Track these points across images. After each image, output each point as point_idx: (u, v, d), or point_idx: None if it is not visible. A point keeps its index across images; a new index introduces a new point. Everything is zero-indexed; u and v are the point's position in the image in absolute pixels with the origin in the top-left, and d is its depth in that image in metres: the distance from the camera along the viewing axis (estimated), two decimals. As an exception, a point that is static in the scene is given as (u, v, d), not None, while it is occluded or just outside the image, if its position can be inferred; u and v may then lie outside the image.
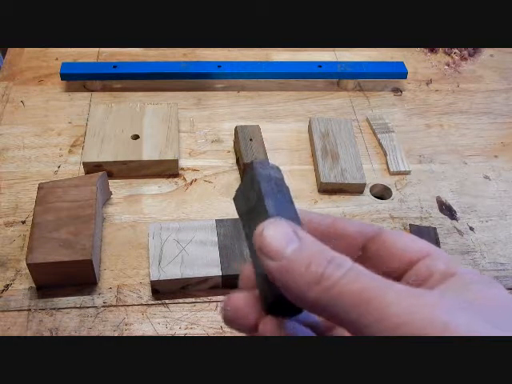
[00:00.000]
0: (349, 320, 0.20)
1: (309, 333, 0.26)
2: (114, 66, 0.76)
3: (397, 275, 0.25)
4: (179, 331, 0.51)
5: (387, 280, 0.21)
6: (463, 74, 0.85)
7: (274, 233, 0.22)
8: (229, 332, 0.51)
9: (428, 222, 0.62)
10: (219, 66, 0.77)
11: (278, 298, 0.23)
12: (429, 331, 0.19)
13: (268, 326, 0.24)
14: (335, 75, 0.79)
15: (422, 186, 0.67)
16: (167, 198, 0.63)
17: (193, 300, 0.54)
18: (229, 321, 0.25)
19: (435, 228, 0.61)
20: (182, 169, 0.67)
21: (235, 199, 0.27)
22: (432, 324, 0.19)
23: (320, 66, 0.79)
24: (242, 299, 0.24)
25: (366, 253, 0.26)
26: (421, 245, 0.25)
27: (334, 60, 0.84)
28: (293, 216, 0.25)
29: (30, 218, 0.57)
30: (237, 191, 0.27)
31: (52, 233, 0.53)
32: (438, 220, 0.63)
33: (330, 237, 0.27)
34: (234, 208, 0.28)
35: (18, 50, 0.83)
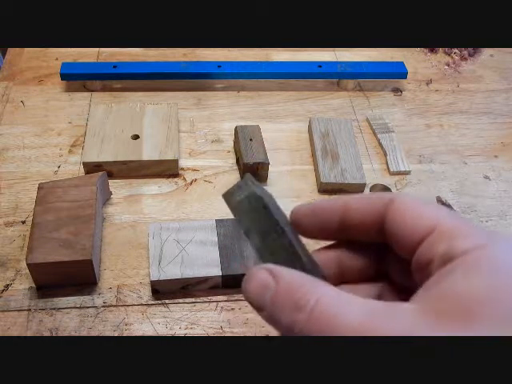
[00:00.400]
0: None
1: None
2: (114, 66, 0.76)
3: (409, 253, 0.25)
4: (179, 331, 0.51)
5: (350, 302, 0.22)
6: (463, 74, 0.85)
7: (252, 287, 0.24)
8: (229, 332, 0.51)
9: (428, 222, 0.62)
10: (219, 66, 0.77)
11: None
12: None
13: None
14: (335, 75, 0.79)
15: (422, 186, 0.67)
16: (167, 198, 0.63)
17: (193, 300, 0.54)
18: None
19: (435, 228, 0.61)
20: (182, 169, 0.67)
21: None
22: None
23: (320, 66, 0.79)
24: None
25: (384, 229, 0.26)
26: (426, 221, 0.24)
27: (334, 60, 0.84)
28: (279, 233, 0.26)
29: (30, 218, 0.57)
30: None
31: (52, 233, 0.53)
32: (438, 220, 0.63)
33: (342, 220, 0.27)
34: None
35: (18, 50, 0.83)
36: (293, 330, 0.22)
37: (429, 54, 0.89)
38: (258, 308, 0.24)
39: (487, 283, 0.20)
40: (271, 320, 0.24)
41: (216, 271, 0.53)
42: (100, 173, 0.59)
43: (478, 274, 0.21)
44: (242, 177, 0.65)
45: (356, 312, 0.21)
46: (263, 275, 0.24)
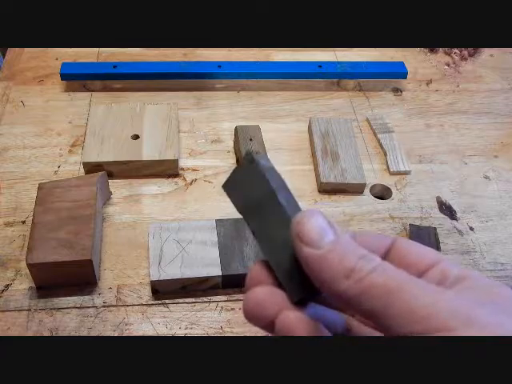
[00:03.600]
0: (375, 312, 0.22)
1: (333, 313, 0.27)
2: (114, 66, 0.76)
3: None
4: (179, 331, 0.51)
5: (412, 276, 0.23)
6: (463, 74, 0.85)
7: (314, 223, 0.24)
8: (229, 332, 0.51)
9: (428, 222, 0.62)
10: (219, 66, 0.77)
11: (305, 293, 0.25)
12: (452, 323, 0.20)
13: (289, 319, 0.24)
14: (335, 75, 0.79)
15: (422, 186, 0.67)
16: (167, 198, 0.63)
17: (193, 300, 0.54)
18: (250, 313, 0.25)
19: (435, 228, 0.61)
20: (182, 169, 0.67)
21: (228, 189, 0.27)
22: (455, 316, 0.20)
23: (320, 66, 0.79)
24: (262, 292, 0.25)
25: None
26: (432, 253, 0.26)
27: (334, 60, 0.84)
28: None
29: (30, 218, 0.57)
30: (229, 182, 0.28)
31: (52, 233, 0.52)
32: (438, 220, 0.63)
33: None
34: (234, 208, 0.28)
35: (17, 50, 0.83)
36: (349, 278, 0.23)
37: (429, 53, 0.89)
38: (309, 244, 0.24)
39: (503, 290, 0.23)
40: (319, 261, 0.23)
41: (216, 271, 0.53)
42: (100, 173, 0.59)
43: (491, 285, 0.24)
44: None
45: (415, 278, 0.22)
46: (325, 221, 0.24)
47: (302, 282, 0.25)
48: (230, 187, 0.27)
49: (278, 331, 0.24)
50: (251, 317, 0.25)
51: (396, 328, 0.21)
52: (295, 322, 0.24)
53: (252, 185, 0.26)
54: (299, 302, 0.25)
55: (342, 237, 0.24)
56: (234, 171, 0.27)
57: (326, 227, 0.24)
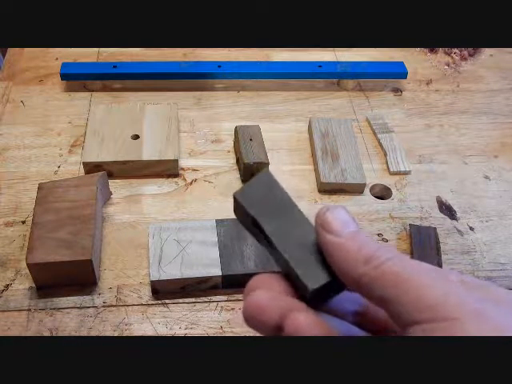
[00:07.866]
0: (387, 298, 0.23)
1: (341, 323, 0.27)
2: (114, 66, 0.76)
3: None
4: (179, 331, 0.51)
5: (427, 266, 0.24)
6: (463, 74, 0.85)
7: (337, 214, 0.26)
8: (229, 332, 0.51)
9: (428, 222, 0.62)
10: (219, 66, 0.77)
11: (321, 285, 0.25)
12: (460, 314, 0.21)
13: (299, 321, 0.24)
14: (335, 75, 0.79)
15: (422, 186, 0.67)
16: (167, 198, 0.63)
17: (193, 300, 0.54)
18: (250, 318, 0.25)
19: (435, 228, 0.61)
20: (182, 169, 0.67)
21: (242, 197, 0.28)
22: (463, 307, 0.21)
23: (320, 66, 0.79)
24: (264, 295, 0.25)
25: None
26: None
27: (334, 60, 0.84)
28: None
29: (30, 218, 0.57)
30: (244, 190, 0.28)
31: (52, 233, 0.52)
32: (438, 220, 0.63)
33: None
34: (245, 214, 0.28)
35: (17, 50, 0.83)
36: (366, 264, 0.23)
37: (429, 54, 0.89)
38: (331, 232, 0.25)
39: (501, 290, 0.24)
40: (340, 248, 0.24)
41: (216, 271, 0.53)
42: (100, 173, 0.59)
43: (489, 287, 0.24)
44: (241, 176, 0.65)
45: (429, 269, 0.23)
46: (349, 215, 0.26)
47: (319, 274, 0.25)
48: (244, 195, 0.28)
49: (287, 335, 0.24)
50: (253, 322, 0.24)
51: (405, 315, 0.22)
52: (306, 323, 0.23)
53: (270, 192, 0.28)
54: (312, 302, 0.25)
55: (362, 230, 0.25)
56: (252, 181, 0.29)
57: (349, 219, 0.26)
